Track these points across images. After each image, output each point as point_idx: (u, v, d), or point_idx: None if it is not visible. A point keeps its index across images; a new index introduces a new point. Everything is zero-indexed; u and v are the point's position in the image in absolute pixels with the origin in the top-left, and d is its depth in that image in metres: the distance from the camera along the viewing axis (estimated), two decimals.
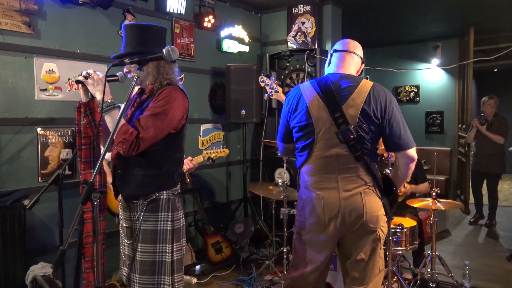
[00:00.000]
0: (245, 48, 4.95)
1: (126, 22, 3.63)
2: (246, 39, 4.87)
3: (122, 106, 1.78)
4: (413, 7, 5.23)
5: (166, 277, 1.97)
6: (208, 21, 4.36)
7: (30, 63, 3.06)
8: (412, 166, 2.10)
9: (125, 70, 2.01)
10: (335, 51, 2.19)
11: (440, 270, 3.31)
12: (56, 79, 3.21)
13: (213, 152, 3.11)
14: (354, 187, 1.98)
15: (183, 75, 4.19)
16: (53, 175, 2.56)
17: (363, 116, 1.98)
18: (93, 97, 2.04)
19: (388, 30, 6.65)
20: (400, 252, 3.09)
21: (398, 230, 3.04)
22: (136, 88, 2.13)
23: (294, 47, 4.92)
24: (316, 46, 4.76)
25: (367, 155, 2.00)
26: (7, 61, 2.95)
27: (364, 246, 2.02)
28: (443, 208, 3.10)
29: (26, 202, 2.78)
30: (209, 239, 4.01)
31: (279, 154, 2.64)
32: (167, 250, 1.98)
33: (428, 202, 3.12)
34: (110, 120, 1.91)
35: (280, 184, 3.58)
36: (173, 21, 4.10)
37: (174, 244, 2.01)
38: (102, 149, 2.05)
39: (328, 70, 2.21)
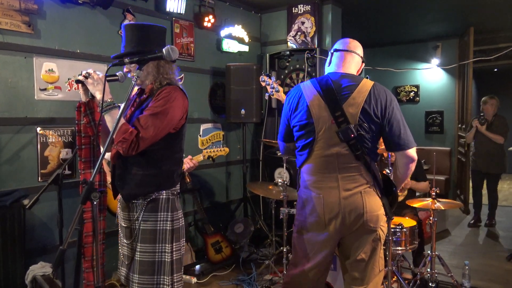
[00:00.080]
0: (245, 48, 4.95)
1: (126, 22, 3.63)
2: (246, 39, 4.87)
3: (122, 105, 1.78)
4: (413, 7, 5.23)
5: (165, 277, 1.97)
6: (208, 21, 4.36)
7: (30, 62, 3.06)
8: (412, 166, 2.10)
9: (125, 70, 2.01)
10: (336, 50, 2.19)
11: (440, 270, 3.31)
12: (56, 78, 3.21)
13: (213, 151, 3.11)
14: (354, 186, 1.98)
15: (183, 75, 4.19)
16: (52, 175, 2.56)
17: (363, 115, 1.98)
18: (93, 97, 2.04)
19: (388, 30, 6.65)
20: (400, 252, 3.09)
21: (398, 230, 3.04)
22: (136, 88, 2.13)
23: (294, 47, 4.92)
24: (316, 46, 4.76)
25: (368, 154, 2.00)
26: (7, 60, 2.94)
27: (364, 246, 2.02)
28: (442, 208, 3.10)
29: (26, 201, 2.77)
30: (208, 239, 4.01)
31: (279, 154, 2.64)
32: (167, 250, 1.98)
33: (428, 202, 3.12)
34: (110, 120, 1.91)
35: (280, 183, 3.58)
36: (173, 20, 4.10)
37: (174, 244, 2.01)
38: (102, 149, 2.06)
39: (328, 69, 2.21)
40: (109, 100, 1.91)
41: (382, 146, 2.36)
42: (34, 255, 3.03)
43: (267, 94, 2.92)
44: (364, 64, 2.25)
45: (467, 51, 6.06)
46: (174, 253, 2.01)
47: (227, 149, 3.16)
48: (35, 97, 3.10)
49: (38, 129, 3.11)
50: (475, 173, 5.50)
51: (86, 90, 2.01)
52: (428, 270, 3.20)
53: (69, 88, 3.29)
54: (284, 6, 4.99)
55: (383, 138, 2.07)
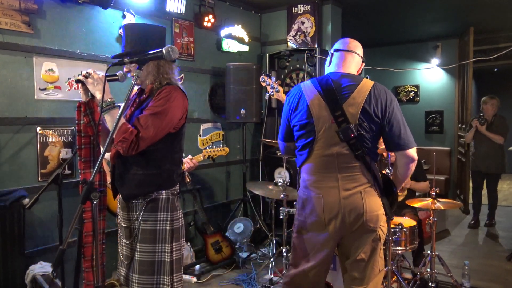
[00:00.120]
0: (245, 48, 4.95)
1: (126, 21, 3.63)
2: (246, 39, 4.87)
3: (122, 105, 1.78)
4: (413, 7, 5.23)
5: (165, 277, 1.97)
6: (208, 21, 4.36)
7: (30, 62, 3.06)
8: (412, 166, 2.09)
9: (125, 69, 2.00)
10: (336, 50, 2.19)
11: (440, 270, 3.31)
12: (56, 78, 3.21)
13: (214, 151, 3.11)
14: (354, 186, 1.98)
15: (182, 74, 4.19)
16: (52, 175, 2.55)
17: (363, 114, 1.98)
18: (93, 97, 2.04)
19: (388, 30, 6.65)
20: (399, 251, 3.09)
21: (397, 229, 3.04)
22: (136, 88, 2.13)
23: (294, 46, 4.92)
24: (316, 46, 4.76)
25: (368, 154, 2.00)
26: (7, 60, 2.94)
27: (364, 246, 2.01)
28: (442, 208, 3.09)
29: (25, 201, 2.77)
30: (208, 239, 4.01)
31: (279, 154, 2.64)
32: (166, 250, 1.98)
33: (427, 201, 3.12)
34: (110, 119, 1.91)
35: (279, 183, 3.57)
36: (173, 20, 4.10)
37: (173, 243, 2.01)
38: (102, 149, 2.06)
39: (329, 69, 2.21)
40: (109, 100, 1.91)
41: (382, 146, 2.35)
42: (34, 254, 3.03)
43: (267, 94, 2.92)
44: (364, 64, 2.25)
45: (467, 51, 6.06)
46: (174, 253, 2.01)
47: (227, 149, 3.16)
48: (35, 97, 3.10)
49: (38, 128, 3.11)
50: (475, 174, 5.50)
51: (86, 89, 2.01)
52: (428, 270, 3.20)
53: (69, 88, 3.29)
54: (284, 6, 5.00)
55: (383, 138, 2.07)
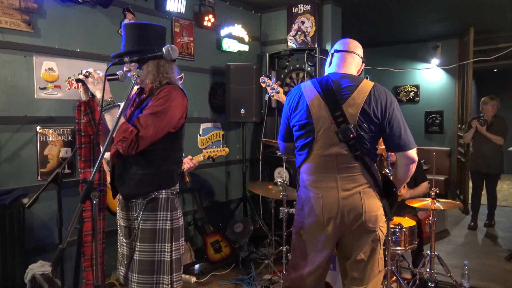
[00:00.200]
0: (245, 47, 4.95)
1: (126, 21, 3.63)
2: (246, 38, 4.87)
3: (122, 104, 1.78)
4: (413, 7, 5.23)
5: (164, 277, 1.97)
6: (208, 20, 4.36)
7: (30, 61, 3.06)
8: (412, 167, 2.09)
9: (125, 69, 2.01)
10: (336, 51, 2.19)
11: (439, 270, 3.31)
12: (56, 77, 3.21)
13: (213, 151, 3.11)
14: (353, 186, 1.99)
15: (182, 74, 4.18)
16: (52, 174, 2.55)
17: (363, 115, 1.98)
18: (93, 96, 2.04)
19: (388, 30, 6.65)
20: (399, 252, 3.10)
21: (397, 230, 3.04)
22: (136, 87, 2.13)
23: (294, 46, 4.92)
24: (316, 46, 4.76)
25: (367, 155, 2.00)
26: (7, 59, 2.94)
27: (363, 246, 2.02)
28: (442, 208, 3.10)
29: (25, 200, 2.77)
30: (208, 238, 4.01)
31: (279, 154, 2.64)
32: (166, 249, 1.98)
33: (427, 202, 3.12)
34: (110, 119, 1.91)
35: (279, 183, 3.57)
36: (173, 20, 4.10)
37: (173, 243, 2.01)
38: (102, 148, 2.06)
39: (329, 70, 2.21)
40: (109, 99, 1.92)
41: (382, 146, 2.35)
42: (34, 254, 3.03)
43: (267, 95, 2.92)
44: (364, 64, 2.25)
45: (467, 51, 6.06)
46: (174, 252, 2.01)
47: (227, 149, 3.16)
48: (35, 96, 3.10)
49: (38, 128, 3.11)
50: (475, 174, 5.49)
51: (86, 89, 2.01)
52: (428, 270, 3.20)
53: (69, 87, 3.28)
54: (284, 6, 4.99)
55: (384, 139, 2.07)
